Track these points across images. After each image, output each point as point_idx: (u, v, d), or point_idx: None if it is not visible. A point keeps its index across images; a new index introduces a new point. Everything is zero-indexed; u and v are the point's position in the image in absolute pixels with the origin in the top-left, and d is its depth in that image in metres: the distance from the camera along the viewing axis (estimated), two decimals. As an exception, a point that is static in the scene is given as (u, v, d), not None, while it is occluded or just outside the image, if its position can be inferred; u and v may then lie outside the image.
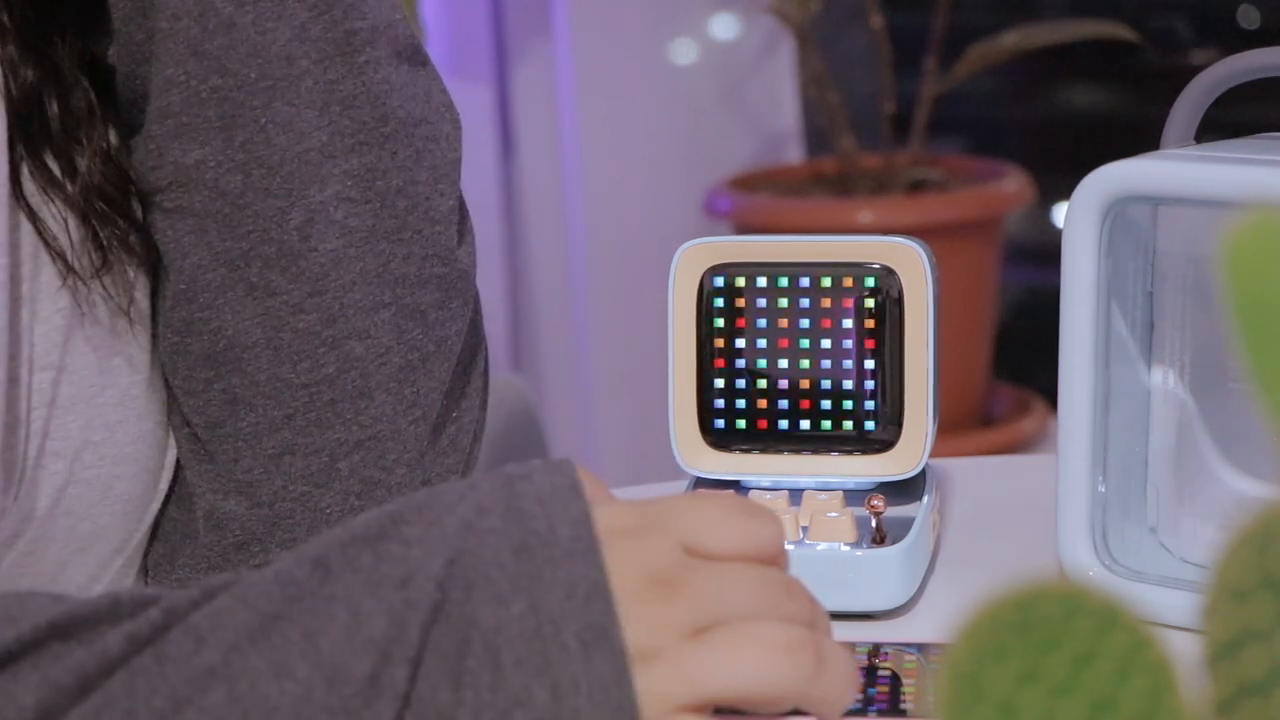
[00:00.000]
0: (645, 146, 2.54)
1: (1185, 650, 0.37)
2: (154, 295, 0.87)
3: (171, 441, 0.89)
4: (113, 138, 0.86)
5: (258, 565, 0.87)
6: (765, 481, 0.91)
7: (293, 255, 0.84)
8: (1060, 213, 2.90)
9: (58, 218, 0.84)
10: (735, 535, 0.64)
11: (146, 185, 0.85)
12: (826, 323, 0.89)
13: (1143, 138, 0.96)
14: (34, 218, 0.83)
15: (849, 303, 0.89)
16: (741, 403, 0.90)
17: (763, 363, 0.90)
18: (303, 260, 0.84)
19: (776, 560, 0.65)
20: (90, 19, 0.86)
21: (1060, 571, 0.87)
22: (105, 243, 0.84)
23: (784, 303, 0.89)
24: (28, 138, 0.83)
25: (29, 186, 0.83)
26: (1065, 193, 0.85)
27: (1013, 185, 2.42)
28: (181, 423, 0.87)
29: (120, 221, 0.85)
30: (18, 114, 0.82)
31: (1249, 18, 2.88)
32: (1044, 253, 2.86)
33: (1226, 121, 0.94)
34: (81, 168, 0.84)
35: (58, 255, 0.83)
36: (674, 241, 0.95)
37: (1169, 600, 0.80)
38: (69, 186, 0.84)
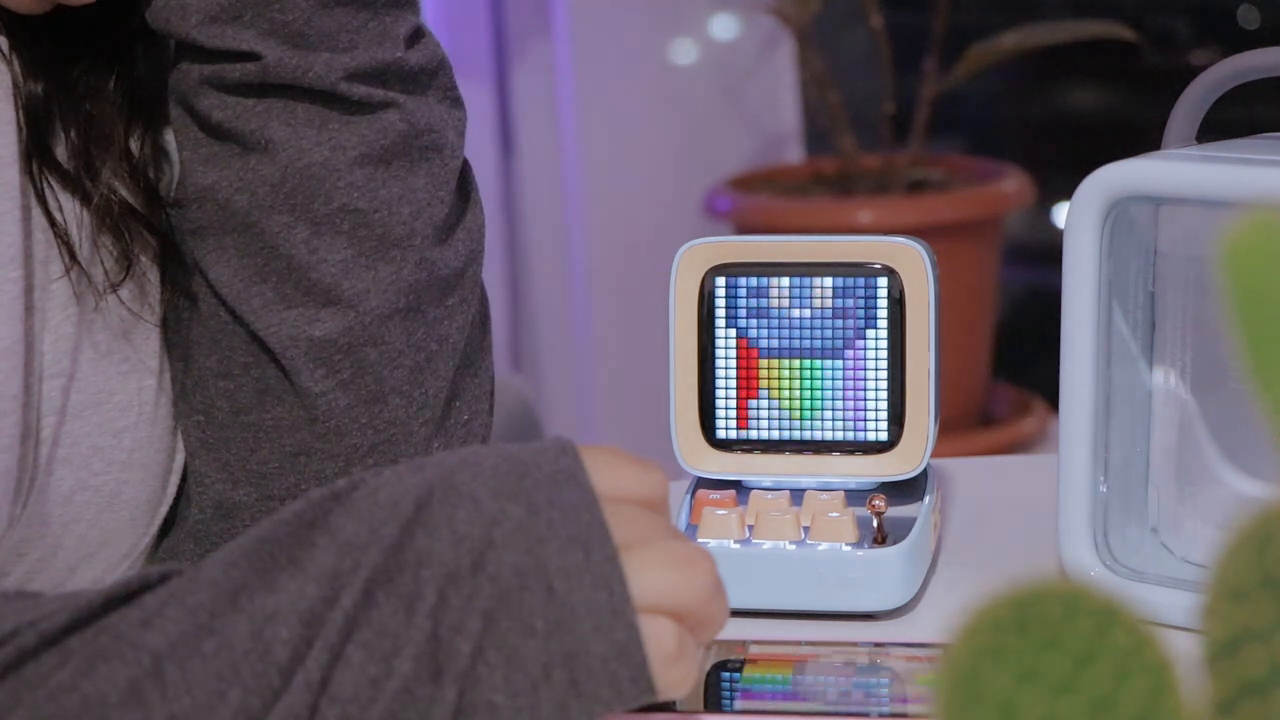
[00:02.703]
0: (645, 146, 2.54)
1: (1186, 650, 0.37)
2: (174, 293, 0.88)
3: (179, 445, 0.89)
4: (135, 147, 0.87)
5: None
6: (767, 481, 0.91)
7: (303, 269, 0.85)
8: (1060, 213, 2.90)
9: (75, 229, 0.84)
10: (623, 480, 0.68)
11: (172, 201, 0.87)
12: (827, 323, 0.89)
13: (1143, 138, 0.96)
14: (50, 227, 0.83)
15: (850, 303, 0.89)
16: (742, 402, 0.90)
17: (764, 363, 0.90)
18: (313, 273, 0.85)
19: (660, 507, 0.69)
20: (112, 31, 0.86)
21: (1061, 571, 0.86)
22: (129, 253, 0.85)
23: (785, 303, 0.89)
24: (43, 151, 0.83)
25: (46, 198, 0.83)
26: (1065, 193, 0.85)
27: (1013, 185, 2.42)
28: (193, 409, 0.88)
29: (144, 232, 0.86)
30: (30, 129, 0.83)
31: (1249, 18, 2.88)
32: (1044, 253, 2.86)
33: (1227, 121, 0.94)
34: (103, 179, 0.85)
35: (74, 266, 0.84)
36: (674, 242, 0.95)
37: (1170, 600, 0.80)
38: (89, 198, 0.84)
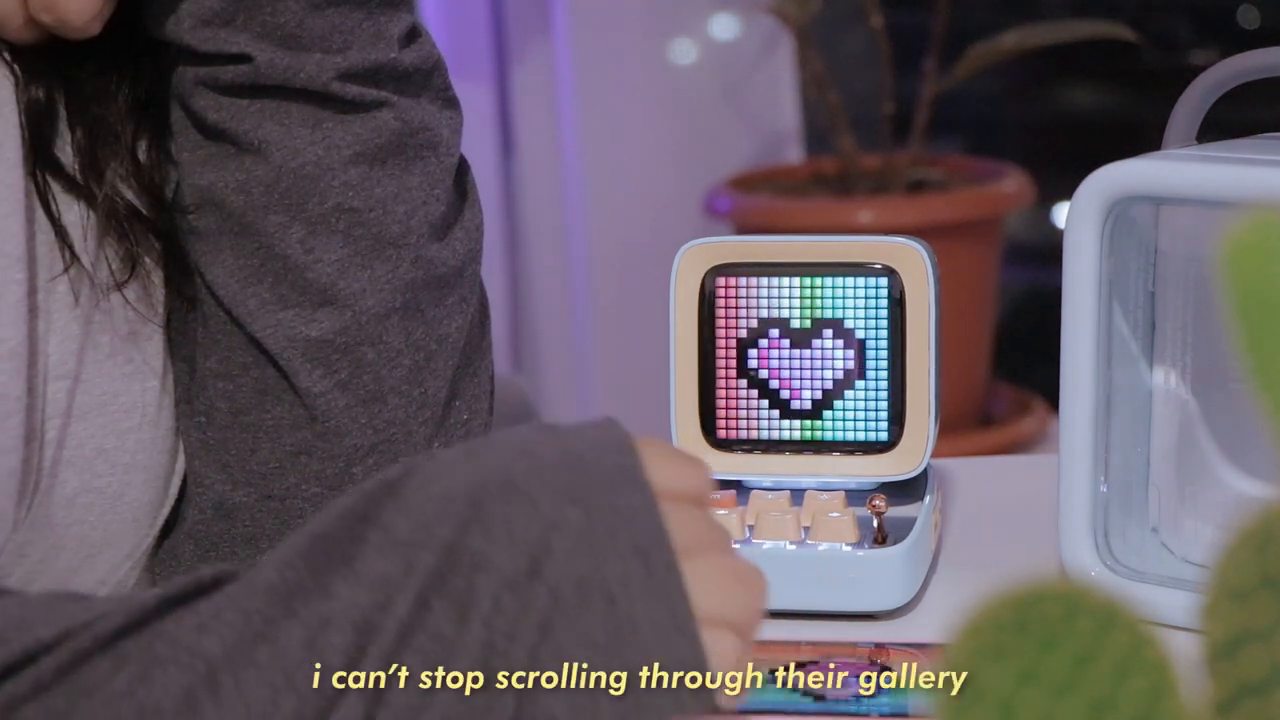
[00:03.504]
0: (645, 146, 2.54)
1: (1186, 650, 0.37)
2: (176, 294, 0.88)
3: (181, 447, 0.89)
4: (142, 154, 0.87)
5: None
6: (767, 481, 0.91)
7: (299, 268, 0.85)
8: (1060, 213, 2.90)
9: (80, 230, 0.84)
10: (675, 476, 0.65)
11: (172, 203, 0.87)
12: (827, 323, 0.89)
13: (1143, 138, 0.96)
14: (55, 229, 0.83)
15: (850, 303, 0.89)
16: (743, 403, 0.90)
17: (764, 363, 0.90)
18: (309, 272, 0.85)
19: (706, 503, 0.67)
20: (119, 35, 0.86)
21: (1061, 571, 0.87)
22: (133, 255, 0.85)
23: (785, 303, 0.89)
24: (47, 153, 0.84)
25: (49, 199, 0.84)
26: (1065, 193, 0.85)
27: (1013, 185, 2.42)
28: (194, 411, 0.88)
29: (148, 235, 0.86)
30: (34, 130, 0.83)
31: (1249, 18, 2.88)
32: (1044, 253, 2.86)
33: (1227, 121, 0.94)
34: (107, 181, 0.85)
35: (74, 264, 0.84)
36: (674, 242, 0.95)
37: (1170, 600, 0.80)
38: (94, 199, 0.85)
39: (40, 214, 0.83)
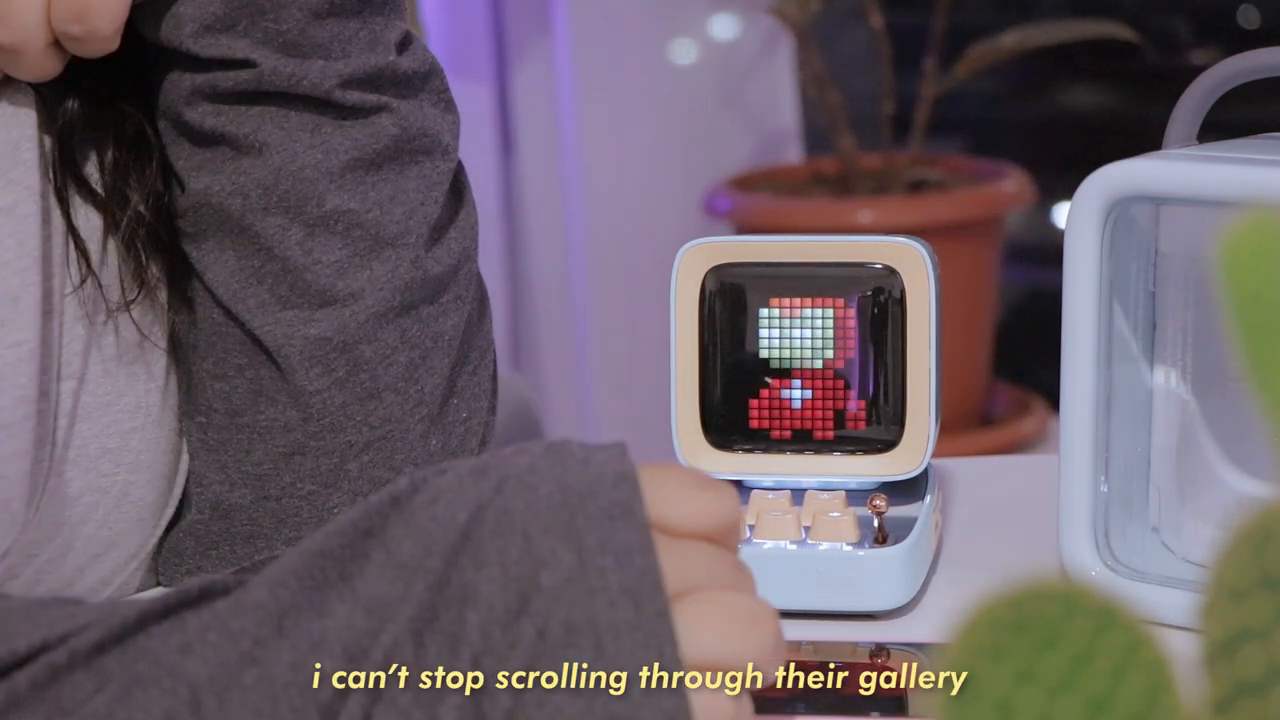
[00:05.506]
0: (645, 146, 2.54)
1: (1186, 650, 0.37)
2: (180, 300, 0.88)
3: (185, 447, 0.89)
4: (151, 175, 0.87)
5: (263, 560, 0.88)
6: (767, 481, 0.91)
7: (298, 270, 0.85)
8: (1060, 213, 2.90)
9: (92, 236, 0.85)
10: (687, 509, 0.64)
11: (173, 208, 0.87)
12: (828, 323, 0.89)
13: (1143, 138, 0.96)
14: (74, 238, 0.84)
15: (850, 303, 0.89)
16: (743, 402, 0.90)
17: (764, 363, 0.90)
18: (308, 274, 0.85)
19: (729, 537, 0.65)
20: (138, 55, 0.86)
21: (1062, 571, 0.87)
22: (143, 272, 0.85)
23: (785, 303, 0.89)
24: (72, 163, 0.84)
25: (69, 207, 0.84)
26: (1065, 193, 0.85)
27: (1013, 185, 2.42)
28: (195, 410, 0.88)
29: (157, 252, 0.87)
30: (60, 140, 0.83)
31: (1249, 18, 2.88)
32: (1044, 253, 2.86)
33: (1228, 121, 0.94)
34: (132, 205, 0.85)
35: (90, 276, 0.84)
36: (674, 241, 0.95)
37: (1171, 600, 0.80)
38: (117, 219, 0.85)
39: (56, 216, 0.84)
